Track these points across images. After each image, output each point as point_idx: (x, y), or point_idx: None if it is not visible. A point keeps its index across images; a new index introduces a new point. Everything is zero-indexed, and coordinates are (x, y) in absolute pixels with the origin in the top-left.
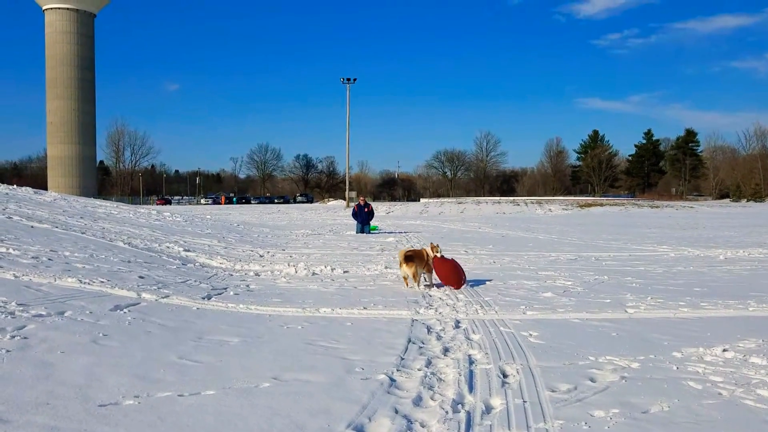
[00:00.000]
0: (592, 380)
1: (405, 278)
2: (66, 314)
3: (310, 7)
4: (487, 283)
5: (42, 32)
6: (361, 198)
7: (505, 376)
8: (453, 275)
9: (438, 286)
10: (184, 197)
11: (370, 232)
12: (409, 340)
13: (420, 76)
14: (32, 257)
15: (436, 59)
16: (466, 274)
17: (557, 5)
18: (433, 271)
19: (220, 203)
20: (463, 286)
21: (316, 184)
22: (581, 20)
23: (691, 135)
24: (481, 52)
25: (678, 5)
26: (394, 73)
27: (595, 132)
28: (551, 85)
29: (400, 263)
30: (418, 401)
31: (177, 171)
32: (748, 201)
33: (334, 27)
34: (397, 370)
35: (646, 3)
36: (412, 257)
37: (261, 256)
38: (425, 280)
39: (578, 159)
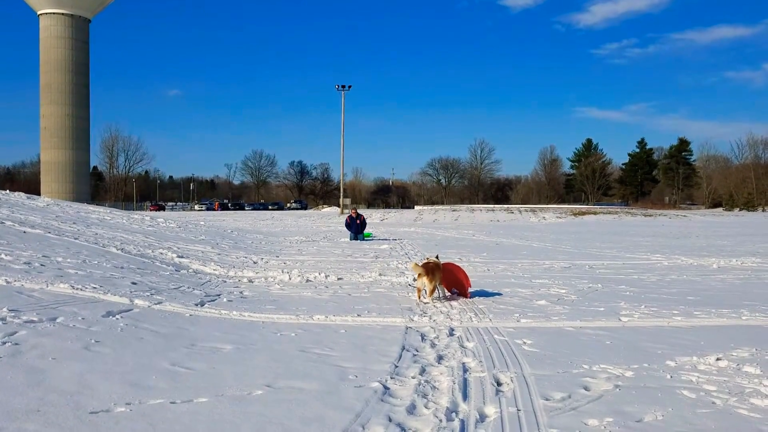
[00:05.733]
0: (586, 389)
1: (420, 290)
2: (58, 320)
3: (306, 15)
4: (481, 290)
5: (36, 37)
6: (353, 210)
7: (499, 384)
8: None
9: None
10: (178, 203)
11: (364, 239)
12: (403, 348)
13: (415, 83)
14: (24, 263)
15: (433, 67)
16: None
17: (557, 15)
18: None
19: (214, 209)
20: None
21: (310, 190)
22: (581, 30)
23: (684, 144)
24: (479, 60)
25: (677, 16)
26: (390, 80)
27: (589, 140)
28: (548, 93)
29: (419, 275)
30: (411, 409)
31: (171, 177)
32: (740, 210)
33: (330, 34)
34: (391, 378)
35: (646, 13)
36: (433, 270)
37: (255, 263)
38: (439, 293)
39: (572, 167)
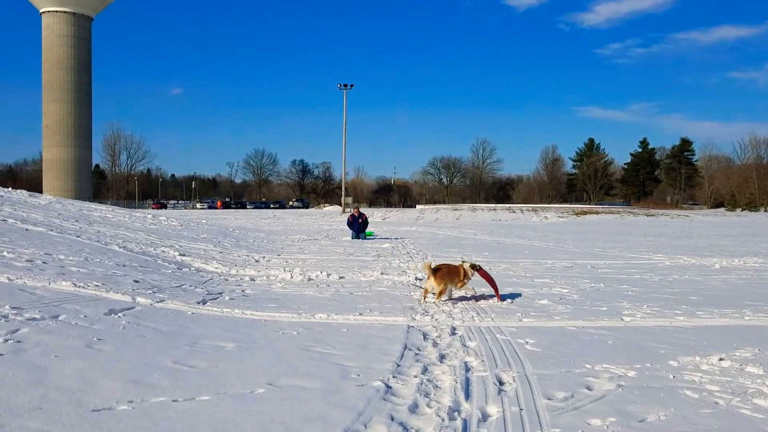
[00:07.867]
0: (589, 388)
1: (426, 291)
2: (60, 318)
3: (309, 13)
4: (482, 290)
5: (39, 35)
6: (355, 209)
7: (501, 383)
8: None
9: (461, 299)
10: (180, 201)
11: (365, 238)
12: (405, 347)
13: (418, 82)
14: (27, 260)
15: (435, 66)
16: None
17: (562, 14)
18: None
19: (216, 207)
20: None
21: (312, 189)
22: (585, 29)
23: (686, 144)
24: (483, 59)
25: (680, 16)
26: (392, 79)
27: (591, 140)
28: (550, 93)
29: (428, 276)
30: (414, 408)
31: (173, 175)
32: (742, 210)
33: (332, 33)
34: (393, 377)
35: (649, 13)
36: (444, 274)
37: (257, 261)
38: (446, 296)
39: (574, 167)
